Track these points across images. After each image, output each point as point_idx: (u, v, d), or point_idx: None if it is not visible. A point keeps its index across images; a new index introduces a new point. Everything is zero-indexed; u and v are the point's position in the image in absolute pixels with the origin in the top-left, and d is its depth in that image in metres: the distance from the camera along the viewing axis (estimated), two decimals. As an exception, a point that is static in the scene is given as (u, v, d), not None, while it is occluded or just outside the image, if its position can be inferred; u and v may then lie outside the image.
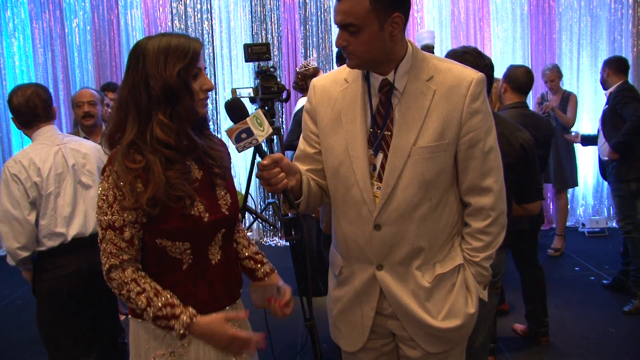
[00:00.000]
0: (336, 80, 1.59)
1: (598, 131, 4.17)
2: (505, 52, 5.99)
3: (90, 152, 2.57)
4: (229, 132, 1.42)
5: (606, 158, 4.03)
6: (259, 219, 5.14)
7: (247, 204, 3.64)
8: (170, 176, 1.44)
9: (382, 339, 1.65)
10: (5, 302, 4.46)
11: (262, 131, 1.43)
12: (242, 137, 1.42)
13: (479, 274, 1.59)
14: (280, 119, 5.82)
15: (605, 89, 4.10)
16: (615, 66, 4.02)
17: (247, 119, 1.42)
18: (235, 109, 1.46)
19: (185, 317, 1.46)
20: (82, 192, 2.51)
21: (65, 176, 2.46)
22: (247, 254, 1.74)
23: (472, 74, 1.49)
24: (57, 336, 2.50)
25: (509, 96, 3.15)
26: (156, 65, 1.41)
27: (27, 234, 2.37)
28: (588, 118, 6.00)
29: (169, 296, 1.48)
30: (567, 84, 6.01)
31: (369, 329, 1.62)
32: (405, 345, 1.63)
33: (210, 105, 5.89)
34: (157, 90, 1.41)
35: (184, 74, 1.42)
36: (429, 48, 4.53)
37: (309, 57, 5.92)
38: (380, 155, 1.51)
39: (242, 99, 3.15)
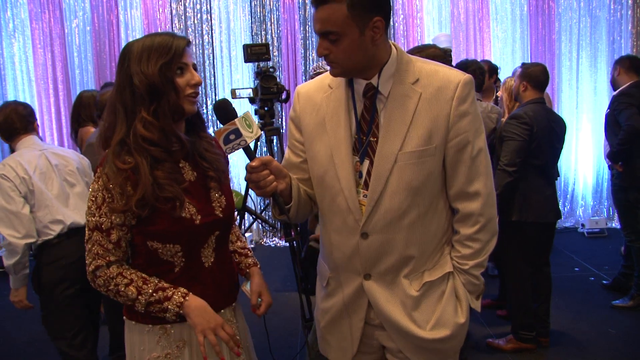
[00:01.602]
0: (320, 86, 1.56)
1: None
2: (505, 52, 5.99)
3: (68, 155, 2.82)
4: (218, 134, 1.42)
5: (610, 162, 3.99)
6: (258, 219, 5.14)
7: (247, 204, 3.65)
8: (158, 176, 1.44)
9: (371, 352, 1.62)
10: (6, 302, 4.45)
11: (250, 132, 1.42)
12: (230, 139, 1.40)
13: (469, 282, 1.55)
14: (279, 120, 5.82)
15: (614, 89, 3.97)
16: (626, 64, 3.88)
17: (236, 120, 1.41)
18: (222, 109, 1.45)
19: (178, 297, 1.46)
20: (69, 189, 2.72)
21: (50, 174, 2.66)
22: (232, 249, 1.75)
23: (459, 76, 1.45)
24: (61, 326, 2.64)
25: (529, 93, 3.27)
26: (139, 63, 1.42)
27: (25, 224, 2.52)
28: (587, 119, 6.00)
29: (157, 281, 1.48)
30: (566, 85, 6.02)
31: (358, 341, 1.58)
32: (394, 358, 1.59)
33: (209, 107, 5.88)
34: (140, 87, 1.41)
35: (166, 69, 1.42)
36: (447, 52, 4.51)
37: (309, 57, 5.93)
38: (367, 162, 1.47)
39: (241, 99, 3.16)
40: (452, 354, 1.60)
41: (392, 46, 1.47)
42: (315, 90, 1.56)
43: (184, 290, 1.48)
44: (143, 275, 1.48)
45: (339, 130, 1.48)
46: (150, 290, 1.45)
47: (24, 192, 2.55)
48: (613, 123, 3.83)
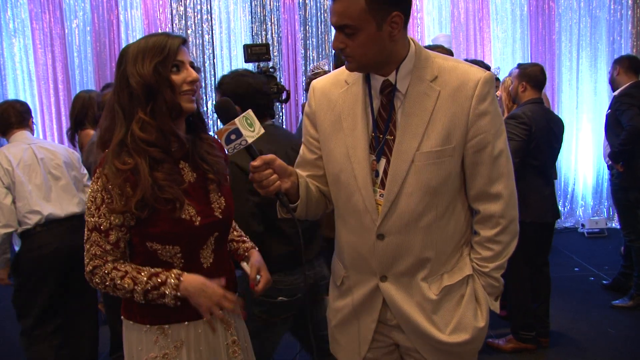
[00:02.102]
0: (336, 82, 1.51)
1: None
2: (505, 53, 5.99)
3: (57, 149, 2.96)
4: (219, 134, 1.40)
5: (611, 162, 3.96)
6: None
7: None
8: (157, 177, 1.44)
9: (384, 349, 1.59)
10: (6, 303, 4.45)
11: (252, 132, 1.40)
12: (231, 139, 1.39)
13: (489, 285, 1.51)
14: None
15: (613, 89, 3.98)
16: (626, 64, 3.87)
17: (236, 119, 1.39)
18: (223, 110, 1.44)
19: (172, 279, 1.45)
20: (53, 181, 2.85)
21: (35, 167, 2.80)
22: (230, 238, 1.74)
23: (479, 74, 1.40)
24: (29, 304, 2.84)
25: (528, 93, 3.27)
26: (134, 64, 1.43)
27: (5, 214, 2.69)
28: (587, 119, 6.00)
29: (150, 269, 1.48)
30: (566, 85, 6.02)
31: (369, 342, 1.55)
32: (410, 357, 1.56)
33: (210, 107, 5.88)
34: (136, 88, 1.42)
35: (161, 67, 1.43)
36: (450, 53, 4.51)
37: (309, 58, 5.93)
38: (383, 161, 1.44)
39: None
40: (471, 356, 1.57)
41: (411, 41, 1.43)
42: (332, 85, 1.52)
43: (177, 271, 1.48)
44: (137, 266, 1.48)
45: (356, 128, 1.45)
46: (145, 278, 1.45)
47: (7, 183, 2.71)
48: (614, 123, 3.82)
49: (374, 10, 1.31)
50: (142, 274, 1.46)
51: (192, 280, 1.47)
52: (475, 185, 1.45)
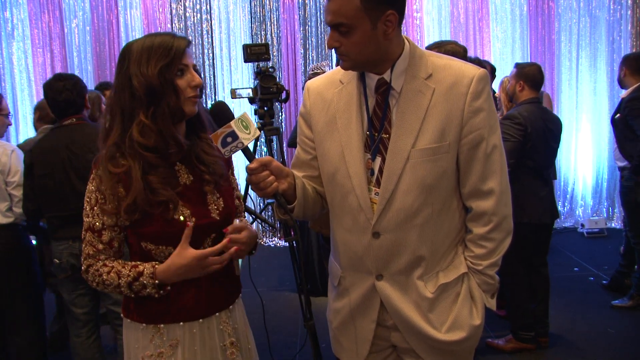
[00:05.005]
0: (331, 81, 1.52)
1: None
2: (505, 53, 5.99)
3: None
4: (215, 137, 1.41)
5: (622, 164, 3.85)
6: (258, 220, 5.14)
7: (247, 204, 3.64)
8: (151, 181, 1.43)
9: (384, 351, 1.59)
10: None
11: (248, 134, 1.41)
12: (227, 141, 1.40)
13: (484, 282, 1.52)
14: (279, 119, 5.83)
15: (622, 87, 3.93)
16: (633, 65, 3.79)
17: (232, 122, 1.40)
18: (218, 113, 1.46)
19: (147, 269, 1.45)
20: None
21: None
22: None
23: (473, 71, 1.41)
24: None
25: (526, 93, 3.26)
26: (138, 65, 1.41)
27: None
28: (587, 119, 6.00)
29: (133, 262, 1.48)
30: (565, 85, 6.02)
31: (370, 342, 1.55)
32: (408, 358, 1.57)
33: (208, 107, 5.88)
34: (139, 89, 1.41)
35: (166, 71, 1.41)
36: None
37: (308, 57, 5.93)
38: (379, 159, 1.44)
39: (241, 99, 3.16)
40: (467, 354, 1.58)
41: (405, 40, 1.44)
42: (326, 85, 1.53)
43: (152, 262, 1.48)
44: (124, 261, 1.49)
45: (350, 127, 1.45)
46: (127, 272, 1.45)
47: None
48: (625, 127, 3.70)
49: (369, 9, 1.31)
50: (125, 267, 1.47)
51: (166, 265, 1.45)
52: (469, 182, 1.46)
